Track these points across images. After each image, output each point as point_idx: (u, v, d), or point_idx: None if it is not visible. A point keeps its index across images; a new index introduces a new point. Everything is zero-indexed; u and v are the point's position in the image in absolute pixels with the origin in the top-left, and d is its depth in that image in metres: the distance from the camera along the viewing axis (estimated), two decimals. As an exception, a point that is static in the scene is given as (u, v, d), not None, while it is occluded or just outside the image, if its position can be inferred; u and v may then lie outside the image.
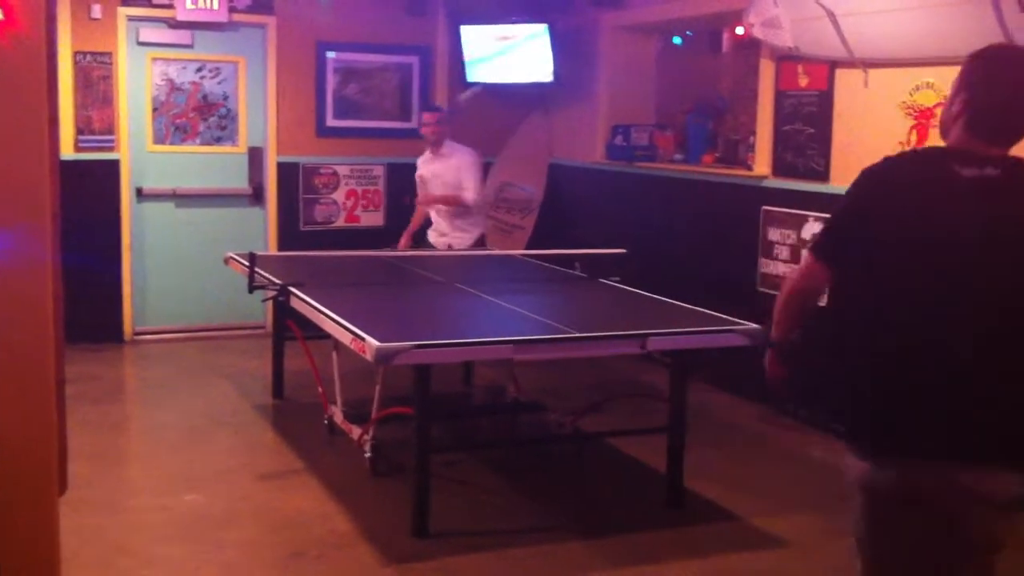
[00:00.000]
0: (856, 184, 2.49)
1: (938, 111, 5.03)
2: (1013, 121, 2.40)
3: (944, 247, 2.32)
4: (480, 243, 6.90)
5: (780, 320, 2.73)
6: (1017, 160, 2.40)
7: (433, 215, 6.94)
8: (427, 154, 6.95)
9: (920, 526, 2.34)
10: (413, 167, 7.61)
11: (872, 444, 2.39)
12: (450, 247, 6.78)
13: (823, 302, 2.66)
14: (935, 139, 5.04)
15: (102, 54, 7.29)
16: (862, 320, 2.43)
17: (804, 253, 2.72)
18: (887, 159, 2.50)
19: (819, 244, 2.59)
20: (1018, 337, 2.30)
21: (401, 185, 8.20)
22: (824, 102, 5.75)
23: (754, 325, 4.46)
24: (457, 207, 6.75)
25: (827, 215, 2.72)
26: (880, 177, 2.45)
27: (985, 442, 2.29)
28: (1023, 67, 2.41)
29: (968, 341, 2.29)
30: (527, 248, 7.81)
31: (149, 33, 7.50)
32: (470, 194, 6.70)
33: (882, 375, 2.37)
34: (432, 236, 6.95)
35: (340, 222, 8.14)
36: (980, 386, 2.29)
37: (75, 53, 7.20)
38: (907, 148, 5.19)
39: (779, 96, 6.08)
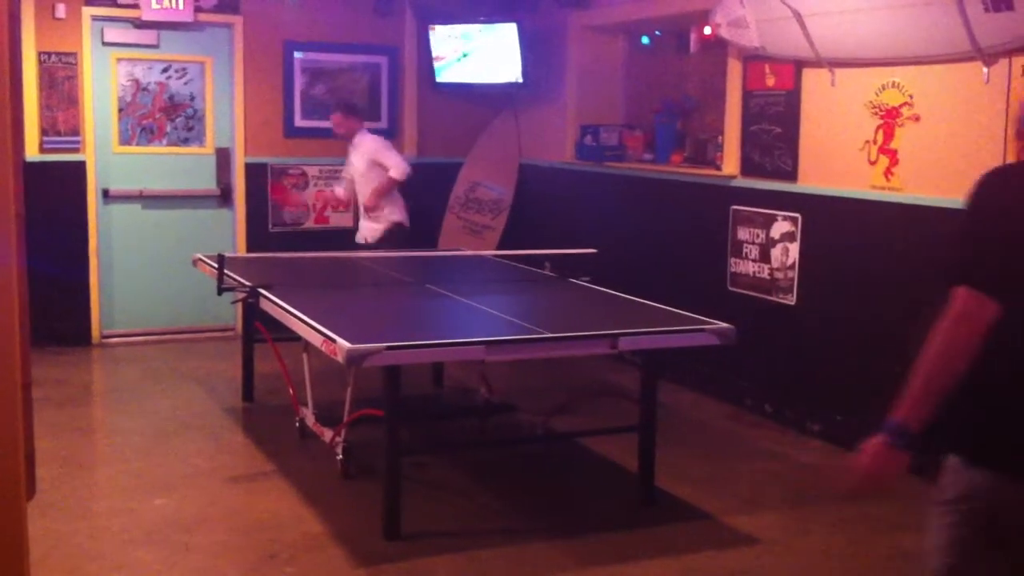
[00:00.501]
0: (972, 199, 2.29)
1: (904, 110, 5.09)
2: None
3: None
4: (394, 233, 7.02)
5: (928, 391, 2.24)
6: None
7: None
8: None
9: None
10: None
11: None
12: (366, 240, 7.05)
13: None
14: (901, 138, 5.11)
15: (67, 54, 7.22)
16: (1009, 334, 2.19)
17: (953, 297, 2.21)
18: (1001, 169, 2.40)
19: (974, 272, 2.19)
20: None
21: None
22: (791, 102, 5.79)
23: (724, 324, 4.48)
24: (387, 192, 6.94)
25: (957, 238, 2.34)
26: (992, 184, 2.29)
27: None
28: None
29: None
30: (497, 248, 7.82)
31: (114, 33, 7.43)
32: (394, 171, 6.89)
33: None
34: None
35: (309, 223, 8.10)
36: None
37: (39, 53, 7.13)
38: (872, 146, 5.24)
39: (746, 96, 6.11)
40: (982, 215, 2.27)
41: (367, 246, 7.02)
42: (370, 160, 6.93)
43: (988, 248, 2.23)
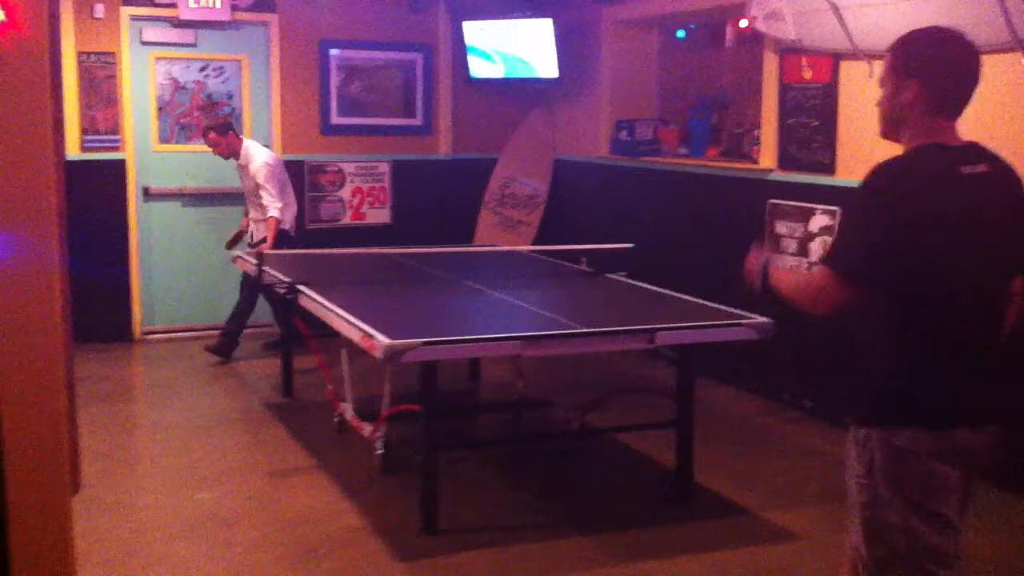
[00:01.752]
0: (873, 195, 2.51)
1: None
2: (967, 92, 2.57)
3: (962, 241, 2.48)
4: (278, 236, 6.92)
5: (789, 301, 2.75)
6: (996, 157, 2.61)
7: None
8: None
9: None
10: (418, 164, 7.63)
11: (924, 413, 2.54)
12: (252, 237, 7.06)
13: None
14: (941, 130, 5.05)
15: (106, 54, 7.30)
16: (906, 311, 2.53)
17: (820, 270, 2.59)
18: (894, 162, 2.54)
19: (851, 267, 2.51)
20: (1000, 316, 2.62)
21: (407, 183, 8.23)
22: (828, 94, 5.74)
23: (762, 319, 4.46)
24: (275, 239, 6.79)
25: (840, 225, 2.70)
26: (898, 191, 2.48)
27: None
28: (961, 42, 2.57)
29: (987, 323, 2.58)
30: (533, 244, 7.81)
31: (152, 32, 7.51)
32: (273, 211, 6.83)
33: (931, 359, 2.54)
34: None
35: (346, 219, 8.15)
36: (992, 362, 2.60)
37: (79, 53, 7.21)
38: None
39: (783, 89, 6.07)
40: (865, 209, 2.53)
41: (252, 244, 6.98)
42: (257, 184, 6.89)
43: (861, 242, 2.50)
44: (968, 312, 2.53)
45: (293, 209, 7.17)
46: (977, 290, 2.53)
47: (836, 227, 2.63)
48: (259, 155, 6.94)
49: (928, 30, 2.61)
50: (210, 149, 7.01)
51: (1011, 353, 2.65)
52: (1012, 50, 4.63)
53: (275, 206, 6.82)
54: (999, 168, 2.59)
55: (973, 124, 4.88)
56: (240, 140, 7.01)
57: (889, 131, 2.66)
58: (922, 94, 2.53)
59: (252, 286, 6.67)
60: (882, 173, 2.50)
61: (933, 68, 2.54)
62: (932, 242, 2.46)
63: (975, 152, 2.57)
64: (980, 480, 2.69)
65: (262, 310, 7.36)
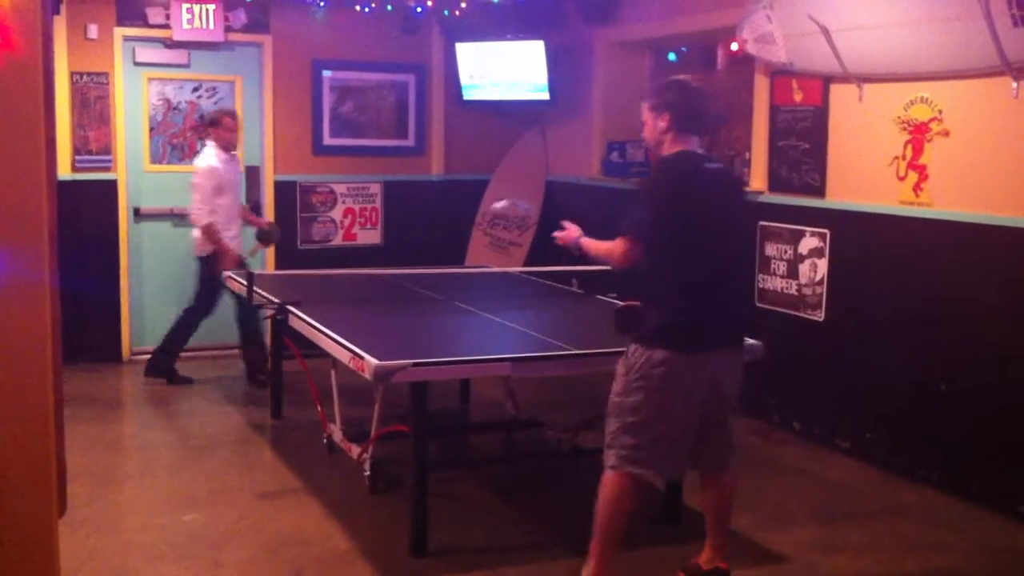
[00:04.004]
0: (655, 181, 3.85)
1: (933, 125, 5.07)
2: (705, 120, 3.92)
3: (709, 214, 3.69)
4: (205, 260, 6.85)
5: (597, 259, 3.96)
6: (723, 161, 4.34)
7: (232, 229, 6.85)
8: (224, 157, 6.82)
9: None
10: (410, 185, 7.63)
11: (675, 340, 3.66)
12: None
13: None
14: (930, 153, 5.08)
15: (99, 74, 7.31)
16: (675, 266, 3.68)
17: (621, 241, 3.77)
18: (667, 160, 3.76)
19: (637, 230, 3.70)
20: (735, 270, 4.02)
21: (399, 203, 8.24)
22: (819, 117, 5.77)
23: (753, 341, 4.46)
24: (212, 238, 6.71)
25: (635, 202, 3.81)
26: (673, 176, 3.74)
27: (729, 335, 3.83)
28: (694, 87, 3.86)
29: (726, 272, 3.81)
30: (524, 264, 7.82)
31: (145, 53, 7.52)
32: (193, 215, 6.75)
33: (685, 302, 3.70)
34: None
35: (337, 240, 8.15)
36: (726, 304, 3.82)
37: (72, 73, 7.22)
38: (901, 161, 5.21)
39: (774, 111, 6.10)
40: (648, 192, 3.82)
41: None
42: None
43: (646, 216, 3.70)
44: (711, 264, 3.69)
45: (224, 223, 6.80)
46: (716, 248, 3.71)
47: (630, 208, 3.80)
48: (203, 159, 6.77)
49: (673, 79, 3.94)
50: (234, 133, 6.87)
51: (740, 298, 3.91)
52: (1001, 74, 4.66)
53: (195, 211, 6.66)
54: (726, 168, 4.17)
55: (965, 149, 4.93)
56: (205, 143, 6.92)
57: (655, 150, 3.83)
58: (673, 121, 3.73)
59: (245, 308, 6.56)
60: (657, 168, 3.88)
61: (680, 103, 3.75)
62: (687, 213, 3.66)
63: (710, 158, 3.90)
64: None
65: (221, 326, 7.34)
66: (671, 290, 3.68)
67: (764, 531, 4.57)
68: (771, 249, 6.11)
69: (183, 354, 7.07)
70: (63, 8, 7.03)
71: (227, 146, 6.82)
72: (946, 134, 5.02)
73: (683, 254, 3.66)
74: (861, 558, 4.32)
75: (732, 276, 3.92)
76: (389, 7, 7.75)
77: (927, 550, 4.39)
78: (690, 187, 3.70)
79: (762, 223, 6.18)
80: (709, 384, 3.71)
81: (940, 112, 5.05)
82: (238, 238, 6.90)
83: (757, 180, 6.24)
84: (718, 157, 3.87)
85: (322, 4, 7.76)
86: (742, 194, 4.25)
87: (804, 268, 5.88)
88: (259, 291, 5.42)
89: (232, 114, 6.93)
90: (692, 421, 3.73)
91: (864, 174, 5.50)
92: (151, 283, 7.70)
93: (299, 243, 7.99)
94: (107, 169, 7.41)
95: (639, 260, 3.69)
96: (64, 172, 7.16)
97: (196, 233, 6.76)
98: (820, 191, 5.79)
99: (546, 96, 7.77)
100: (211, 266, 6.71)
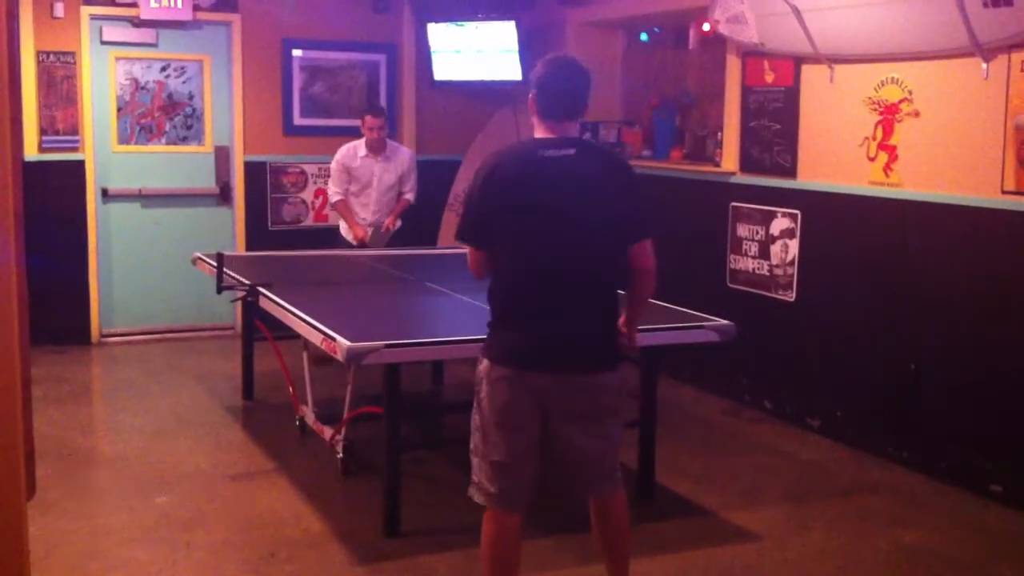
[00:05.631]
0: (472, 180, 3.32)
1: (903, 106, 5.09)
2: (567, 105, 3.30)
3: (533, 208, 3.20)
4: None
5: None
6: (588, 142, 3.60)
7: (363, 213, 6.98)
8: (363, 152, 6.93)
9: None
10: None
11: (491, 349, 3.34)
12: (388, 229, 6.98)
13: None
14: (900, 134, 5.11)
15: (65, 54, 7.22)
16: (500, 270, 3.32)
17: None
18: (492, 154, 3.32)
19: (467, 236, 3.36)
20: (588, 267, 3.29)
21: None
22: (790, 98, 5.79)
23: (724, 321, 4.48)
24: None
25: (462, 203, 3.53)
26: (490, 169, 3.26)
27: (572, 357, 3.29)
28: (561, 67, 3.32)
29: (569, 284, 3.27)
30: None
31: (113, 32, 7.43)
32: (413, 194, 7.03)
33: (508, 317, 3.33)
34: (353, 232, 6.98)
35: (308, 221, 8.11)
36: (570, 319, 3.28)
37: (38, 52, 7.12)
38: (871, 142, 5.24)
39: (745, 92, 6.11)
40: (473, 191, 3.30)
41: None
42: (401, 174, 7.03)
43: (466, 214, 3.34)
44: (545, 270, 3.23)
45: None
46: (552, 251, 3.22)
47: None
48: (404, 149, 7.18)
49: (547, 57, 3.36)
50: (373, 132, 6.86)
51: (607, 314, 3.35)
52: (971, 55, 4.69)
53: (414, 193, 7.09)
54: (589, 154, 3.29)
55: (934, 129, 4.96)
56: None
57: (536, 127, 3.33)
58: (535, 101, 3.29)
59: None
60: (484, 161, 3.32)
61: (539, 84, 3.29)
62: (503, 214, 3.22)
63: (568, 142, 3.26)
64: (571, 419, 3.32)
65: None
66: (494, 297, 3.33)
67: (735, 509, 4.60)
68: (743, 230, 6.13)
69: (149, 337, 7.02)
70: (28, -14, 6.94)
71: (369, 145, 6.90)
72: (916, 115, 5.05)
73: (503, 259, 3.27)
74: (832, 536, 4.35)
75: (589, 288, 3.29)
76: (360, -14, 7.69)
77: (897, 527, 4.43)
78: (509, 183, 3.21)
79: (734, 204, 6.19)
80: (539, 405, 3.27)
81: (910, 93, 5.07)
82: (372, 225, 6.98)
83: (729, 161, 6.26)
84: (579, 140, 3.33)
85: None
86: (610, 185, 3.29)
87: (776, 249, 5.90)
88: (229, 272, 5.38)
89: (371, 111, 6.97)
90: (523, 442, 3.32)
91: (835, 155, 5.52)
92: (119, 265, 7.63)
93: (270, 224, 7.94)
94: (74, 149, 7.33)
95: (485, 264, 3.34)
96: (31, 152, 7.08)
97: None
98: (791, 172, 5.81)
99: (518, 77, 7.73)
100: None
